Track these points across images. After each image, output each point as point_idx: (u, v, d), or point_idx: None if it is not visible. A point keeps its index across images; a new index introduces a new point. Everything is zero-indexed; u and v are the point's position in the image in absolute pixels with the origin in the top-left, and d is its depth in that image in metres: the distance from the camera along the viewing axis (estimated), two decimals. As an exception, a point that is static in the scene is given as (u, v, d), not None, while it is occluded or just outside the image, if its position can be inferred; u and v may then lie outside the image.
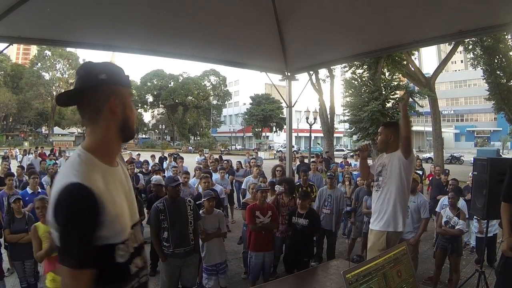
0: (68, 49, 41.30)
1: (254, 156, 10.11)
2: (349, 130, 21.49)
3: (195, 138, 53.07)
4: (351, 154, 20.29)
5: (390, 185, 2.61)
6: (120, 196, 1.06)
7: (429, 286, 4.13)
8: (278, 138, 47.66)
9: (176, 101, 49.79)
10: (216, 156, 10.97)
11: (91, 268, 0.93)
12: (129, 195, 1.14)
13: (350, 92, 20.42)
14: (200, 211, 3.50)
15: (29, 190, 4.71)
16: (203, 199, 3.56)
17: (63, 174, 1.00)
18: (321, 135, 22.51)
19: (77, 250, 0.91)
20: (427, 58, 57.93)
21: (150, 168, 7.36)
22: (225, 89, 53.74)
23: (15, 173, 6.08)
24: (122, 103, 1.08)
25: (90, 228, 0.94)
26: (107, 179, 1.02)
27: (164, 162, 10.70)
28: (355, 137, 21.45)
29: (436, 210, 4.89)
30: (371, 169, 2.89)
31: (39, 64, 45.06)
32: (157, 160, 10.02)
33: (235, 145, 50.87)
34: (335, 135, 22.40)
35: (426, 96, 16.86)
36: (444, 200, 4.66)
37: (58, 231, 0.92)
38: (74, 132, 51.82)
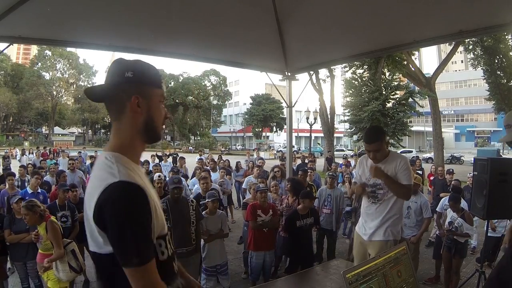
0: (68, 49, 41.42)
1: (260, 156, 10.17)
2: (349, 130, 21.51)
3: (195, 138, 53.02)
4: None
5: (391, 197, 2.61)
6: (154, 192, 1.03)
7: (429, 286, 4.14)
8: (278, 138, 47.64)
9: (177, 101, 49.76)
10: (213, 157, 10.91)
11: (152, 258, 0.90)
12: None
13: (351, 92, 20.45)
14: (203, 212, 3.49)
15: (29, 189, 4.70)
16: (207, 200, 3.54)
17: (97, 179, 0.94)
18: (321, 135, 22.51)
19: (141, 247, 0.87)
20: (427, 58, 58.00)
21: (151, 168, 7.34)
22: (225, 89, 53.70)
23: (17, 173, 6.10)
24: (146, 103, 1.03)
25: (148, 222, 0.91)
26: (141, 176, 0.99)
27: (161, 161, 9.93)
28: (355, 137, 21.48)
29: (437, 209, 4.89)
30: (359, 176, 2.87)
31: (39, 64, 45.09)
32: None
33: (235, 145, 50.83)
34: (335, 135, 22.39)
35: (426, 96, 16.86)
36: (445, 200, 4.62)
37: (111, 232, 0.87)
38: (75, 132, 51.85)
